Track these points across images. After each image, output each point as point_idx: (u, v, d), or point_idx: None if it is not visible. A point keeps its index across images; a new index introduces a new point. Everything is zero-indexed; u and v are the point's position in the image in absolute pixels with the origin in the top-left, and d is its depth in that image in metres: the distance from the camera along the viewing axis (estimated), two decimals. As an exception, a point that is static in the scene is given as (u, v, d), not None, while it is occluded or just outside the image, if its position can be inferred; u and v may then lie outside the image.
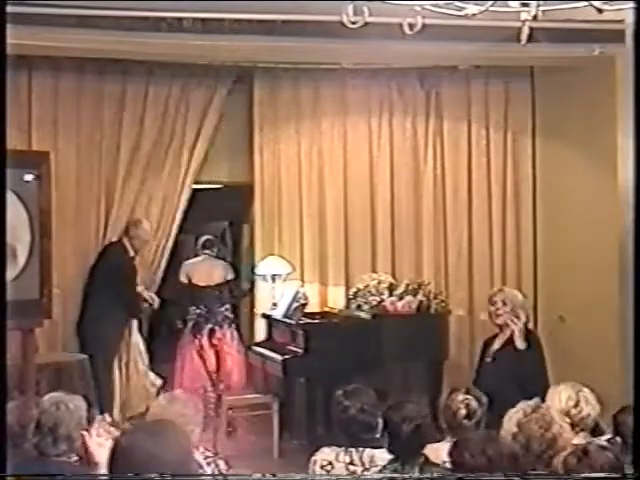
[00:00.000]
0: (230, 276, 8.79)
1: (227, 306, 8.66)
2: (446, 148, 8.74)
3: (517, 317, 6.28)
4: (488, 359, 6.31)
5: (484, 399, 4.67)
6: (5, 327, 4.64)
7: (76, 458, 4.05)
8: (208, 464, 4.28)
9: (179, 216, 8.40)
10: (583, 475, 3.66)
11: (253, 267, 8.64)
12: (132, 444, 2.76)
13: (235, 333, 8.67)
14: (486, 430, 3.76)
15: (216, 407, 7.95)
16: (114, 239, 8.12)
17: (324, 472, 4.28)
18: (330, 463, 4.33)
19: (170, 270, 8.66)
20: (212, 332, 8.14)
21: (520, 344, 6.19)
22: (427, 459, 4.10)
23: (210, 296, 8.61)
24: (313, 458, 4.42)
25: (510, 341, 6.25)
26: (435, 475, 3.94)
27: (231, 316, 8.70)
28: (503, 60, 8.05)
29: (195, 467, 2.88)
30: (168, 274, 8.57)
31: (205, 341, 8.13)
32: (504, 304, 6.35)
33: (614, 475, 3.70)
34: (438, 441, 4.49)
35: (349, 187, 8.66)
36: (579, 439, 4.24)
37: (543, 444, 3.56)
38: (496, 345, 6.35)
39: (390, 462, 4.13)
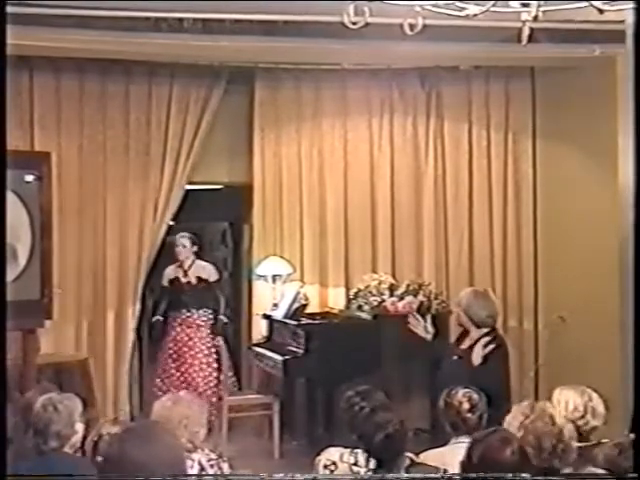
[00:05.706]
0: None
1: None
2: (447, 148, 8.73)
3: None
4: (454, 357, 6.13)
5: (481, 393, 4.68)
6: (5, 327, 4.65)
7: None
8: (211, 466, 4.25)
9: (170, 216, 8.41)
10: (583, 475, 3.66)
11: (251, 268, 8.64)
12: (118, 450, 2.71)
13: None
14: (501, 429, 3.72)
15: (217, 408, 7.96)
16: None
17: (327, 472, 4.26)
18: (334, 463, 4.31)
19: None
20: None
21: (476, 360, 5.96)
22: (413, 461, 4.10)
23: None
24: (318, 457, 4.42)
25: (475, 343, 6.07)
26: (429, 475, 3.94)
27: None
28: (503, 60, 8.05)
29: (186, 469, 2.82)
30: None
31: None
32: None
33: (614, 475, 3.71)
34: (442, 445, 4.50)
35: (349, 187, 8.65)
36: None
37: (554, 438, 3.56)
38: (464, 344, 6.18)
39: (375, 467, 4.14)
